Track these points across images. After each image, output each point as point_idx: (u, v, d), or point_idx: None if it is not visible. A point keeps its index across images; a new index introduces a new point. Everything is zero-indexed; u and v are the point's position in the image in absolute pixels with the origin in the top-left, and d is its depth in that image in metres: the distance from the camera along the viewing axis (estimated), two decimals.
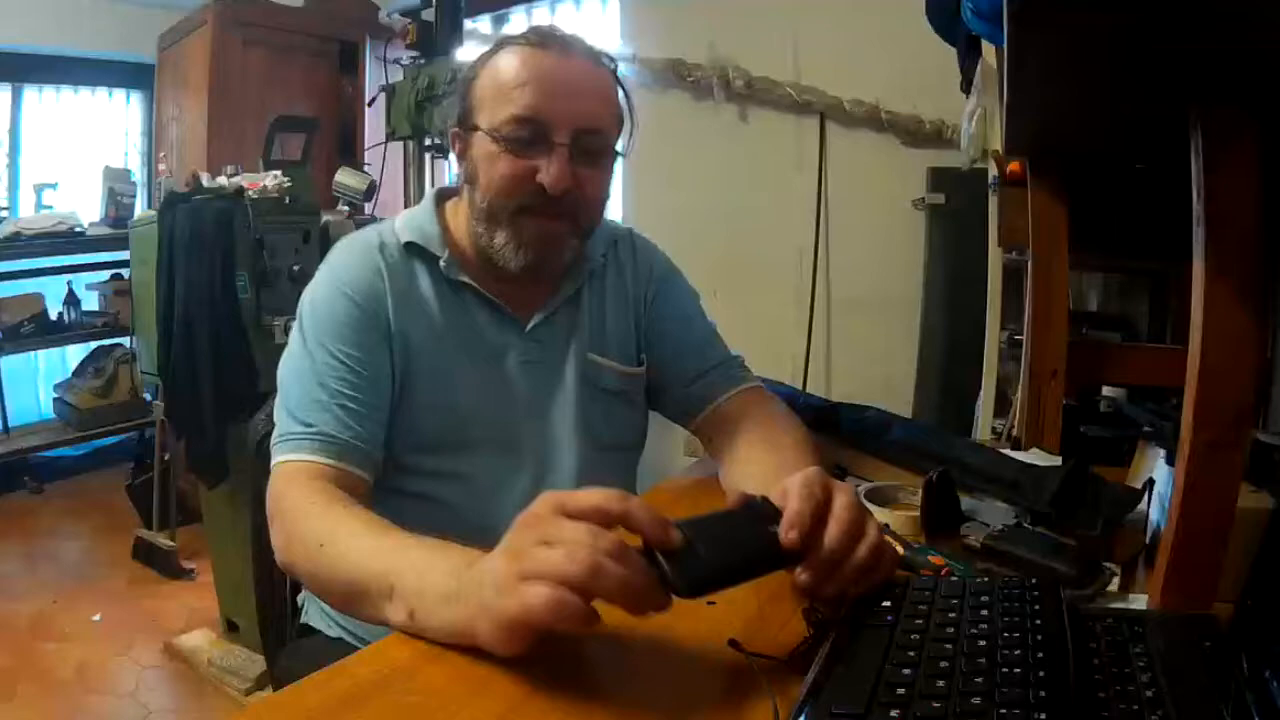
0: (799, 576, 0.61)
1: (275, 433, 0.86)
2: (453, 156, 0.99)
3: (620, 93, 0.96)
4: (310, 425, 0.84)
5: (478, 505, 0.91)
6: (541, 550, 0.55)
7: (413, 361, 0.91)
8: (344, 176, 2.51)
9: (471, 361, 0.94)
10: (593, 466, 0.97)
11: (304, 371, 0.88)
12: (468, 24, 2.61)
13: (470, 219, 0.94)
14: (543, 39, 0.91)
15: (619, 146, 0.96)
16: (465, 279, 0.95)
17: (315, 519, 0.76)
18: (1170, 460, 0.74)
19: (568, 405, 0.98)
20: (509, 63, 0.89)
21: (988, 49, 1.61)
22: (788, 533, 0.60)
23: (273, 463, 0.84)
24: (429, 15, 2.48)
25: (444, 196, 1.02)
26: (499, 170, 0.89)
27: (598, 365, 1.00)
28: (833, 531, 0.61)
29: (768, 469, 0.86)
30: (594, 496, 0.58)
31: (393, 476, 0.90)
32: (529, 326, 0.97)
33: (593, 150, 0.91)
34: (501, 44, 0.93)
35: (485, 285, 0.96)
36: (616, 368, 1.02)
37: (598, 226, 0.99)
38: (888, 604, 0.60)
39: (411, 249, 0.95)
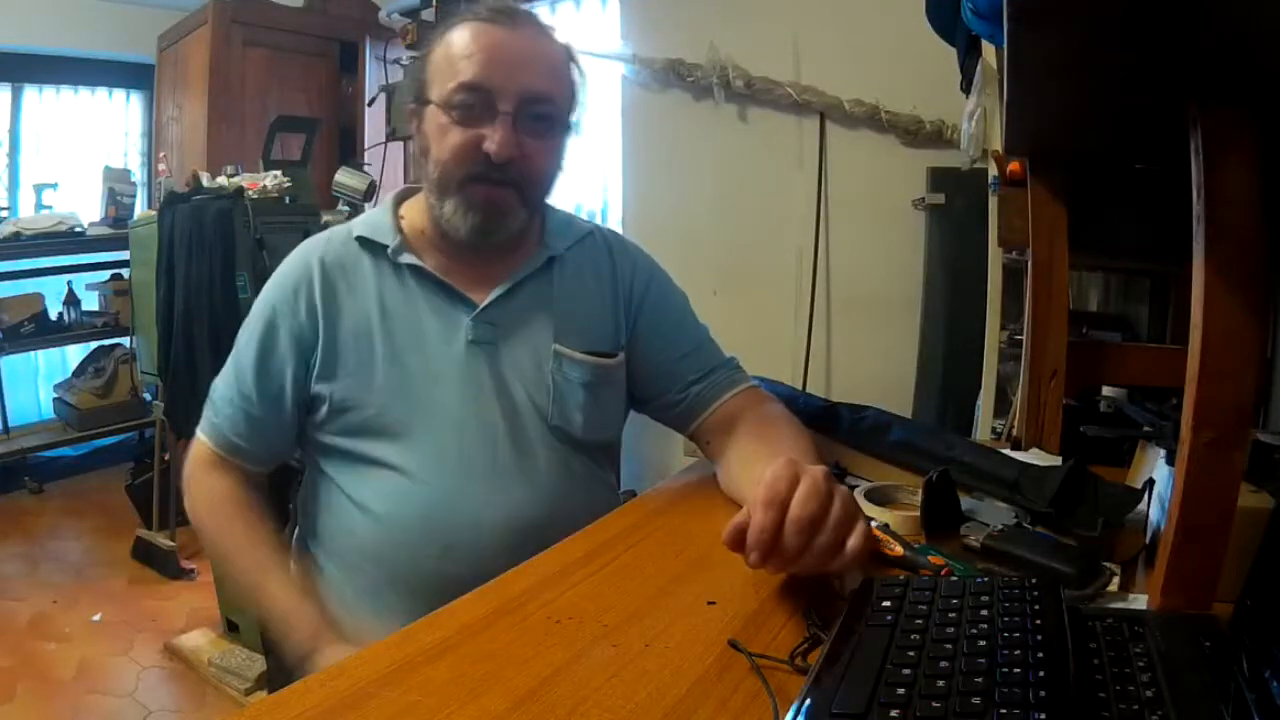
0: (748, 558, 0.66)
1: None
2: None
3: (574, 70, 0.97)
4: (216, 416, 0.99)
5: (433, 479, 0.92)
6: None
7: (339, 341, 0.94)
8: (344, 176, 2.51)
9: (402, 342, 0.95)
10: (561, 459, 0.97)
11: (230, 368, 1.01)
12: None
13: (425, 195, 0.97)
14: (493, 15, 0.93)
15: (572, 123, 0.97)
16: (413, 260, 0.97)
17: (207, 518, 0.96)
18: (1170, 460, 0.74)
19: (526, 391, 0.97)
20: (459, 37, 0.92)
21: (988, 49, 1.61)
22: (749, 554, 0.66)
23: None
24: (429, 15, 2.48)
25: (403, 197, 1.05)
26: (448, 140, 0.91)
27: (563, 355, 0.99)
28: (788, 531, 0.65)
29: (763, 463, 0.86)
30: None
31: (352, 448, 0.94)
32: (480, 307, 0.97)
33: (540, 120, 0.92)
34: (454, 22, 0.94)
35: (437, 267, 0.98)
36: (587, 360, 1.00)
37: (546, 198, 1.01)
38: (888, 604, 0.60)
39: (361, 241, 0.98)
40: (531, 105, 0.91)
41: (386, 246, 0.97)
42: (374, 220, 1.00)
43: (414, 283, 0.97)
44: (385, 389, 0.93)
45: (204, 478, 0.98)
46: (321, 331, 0.95)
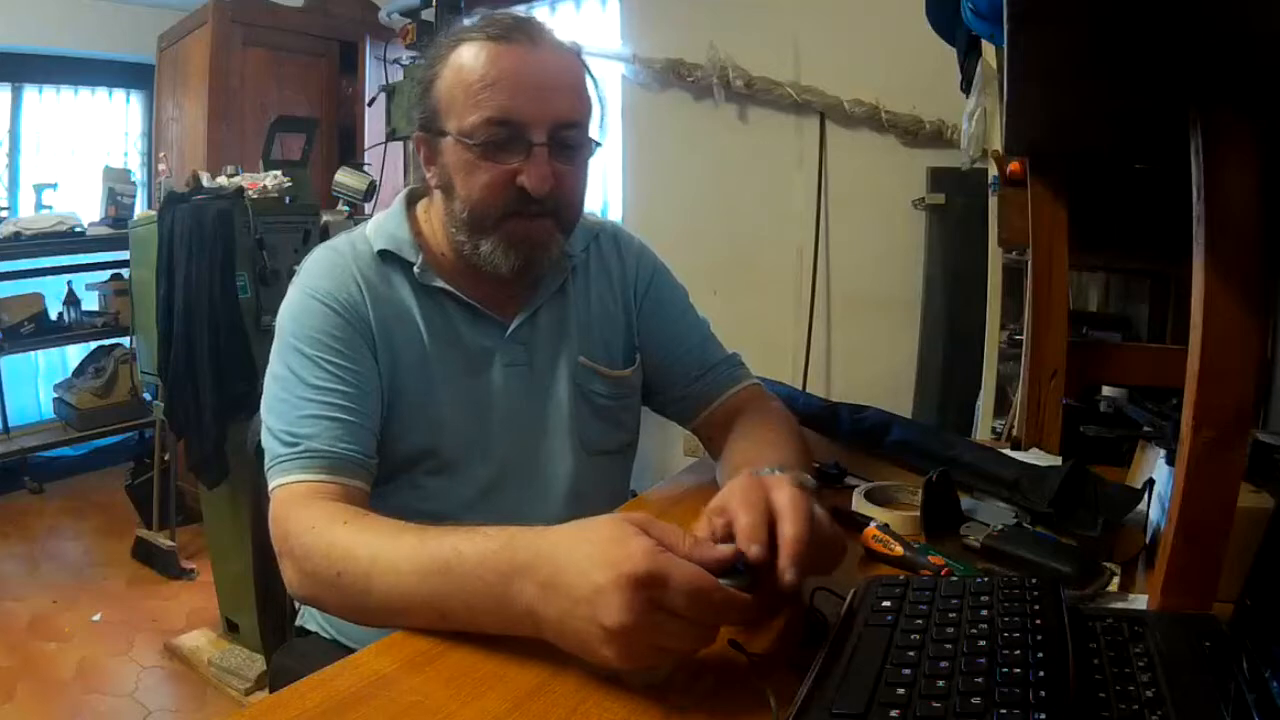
0: (784, 576, 0.59)
1: (266, 459, 0.82)
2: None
3: (589, 78, 0.92)
4: (297, 443, 0.80)
5: (464, 515, 0.89)
6: (662, 620, 0.54)
7: (398, 373, 0.89)
8: (344, 176, 2.51)
9: (453, 369, 0.92)
10: (587, 471, 0.97)
11: (288, 386, 0.83)
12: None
13: (447, 227, 0.91)
14: (505, 31, 0.85)
15: (594, 135, 0.91)
16: (441, 284, 0.92)
17: (323, 547, 0.71)
18: (1170, 460, 0.74)
19: (559, 410, 0.96)
20: (473, 60, 0.84)
21: (988, 49, 1.61)
22: (749, 547, 0.59)
23: (270, 490, 0.81)
24: (429, 15, 2.48)
25: (414, 198, 0.99)
26: (479, 179, 0.85)
27: (589, 370, 0.98)
28: (786, 527, 0.61)
29: (744, 461, 0.84)
30: (693, 576, 0.55)
31: (378, 486, 0.86)
32: (511, 329, 0.94)
33: (570, 145, 0.87)
34: (460, 38, 0.87)
35: (463, 288, 0.93)
36: (609, 371, 1.00)
37: (578, 221, 0.96)
38: (888, 604, 0.60)
39: (385, 256, 0.92)
40: (562, 132, 0.86)
41: (412, 265, 0.91)
42: (391, 232, 0.93)
43: (445, 304, 0.93)
44: (435, 416, 0.90)
45: (303, 514, 0.75)
46: (383, 353, 0.88)
